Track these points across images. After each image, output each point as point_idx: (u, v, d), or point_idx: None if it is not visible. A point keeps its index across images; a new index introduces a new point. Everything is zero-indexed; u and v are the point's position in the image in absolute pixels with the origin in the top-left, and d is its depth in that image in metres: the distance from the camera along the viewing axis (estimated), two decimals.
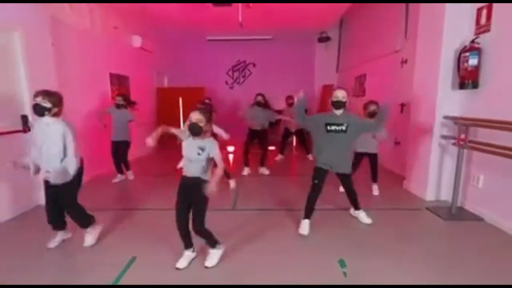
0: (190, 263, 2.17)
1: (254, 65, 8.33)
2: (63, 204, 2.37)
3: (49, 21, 3.58)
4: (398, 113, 4.56)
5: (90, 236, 2.49)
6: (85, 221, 2.47)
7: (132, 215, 3.11)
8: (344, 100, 2.54)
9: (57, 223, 2.46)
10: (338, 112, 2.57)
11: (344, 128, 2.54)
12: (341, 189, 3.78)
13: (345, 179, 2.81)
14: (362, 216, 2.90)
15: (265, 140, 4.73)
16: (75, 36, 4.25)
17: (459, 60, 3.02)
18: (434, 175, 3.47)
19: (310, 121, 2.71)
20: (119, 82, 5.43)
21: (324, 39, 7.56)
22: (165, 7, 5.21)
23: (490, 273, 2.07)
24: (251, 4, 5.01)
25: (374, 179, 3.72)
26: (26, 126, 3.28)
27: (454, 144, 3.08)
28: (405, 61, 4.40)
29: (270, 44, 7.93)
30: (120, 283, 1.98)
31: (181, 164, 2.40)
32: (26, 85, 3.25)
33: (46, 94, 2.21)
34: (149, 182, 4.41)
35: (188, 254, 2.19)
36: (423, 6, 3.55)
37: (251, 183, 4.34)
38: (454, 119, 3.10)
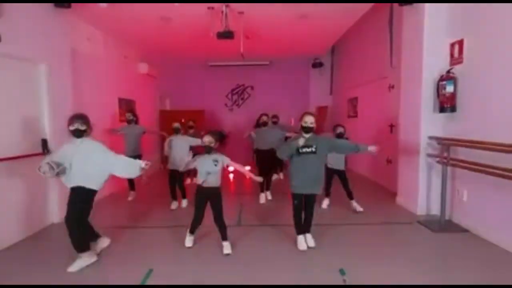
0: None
1: (252, 88, 8.77)
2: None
3: (69, 53, 3.94)
4: (388, 133, 4.93)
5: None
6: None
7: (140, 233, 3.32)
8: (312, 125, 2.68)
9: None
10: (307, 135, 2.70)
11: (314, 149, 2.67)
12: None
13: (311, 199, 2.82)
14: (309, 237, 2.83)
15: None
16: (90, 65, 4.61)
17: (438, 87, 3.41)
18: (424, 190, 3.76)
19: (287, 149, 2.74)
20: (126, 106, 5.75)
21: (317, 64, 8.08)
22: (171, 38, 5.66)
23: (468, 273, 2.35)
24: (249, 35, 5.49)
25: (350, 196, 3.90)
26: (45, 149, 3.53)
27: (438, 162, 3.41)
28: (392, 87, 4.82)
29: (267, 69, 8.43)
30: None
31: (200, 181, 2.74)
32: (47, 110, 3.53)
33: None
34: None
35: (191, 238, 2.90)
36: (404, 40, 4.00)
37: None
38: (437, 139, 3.45)
